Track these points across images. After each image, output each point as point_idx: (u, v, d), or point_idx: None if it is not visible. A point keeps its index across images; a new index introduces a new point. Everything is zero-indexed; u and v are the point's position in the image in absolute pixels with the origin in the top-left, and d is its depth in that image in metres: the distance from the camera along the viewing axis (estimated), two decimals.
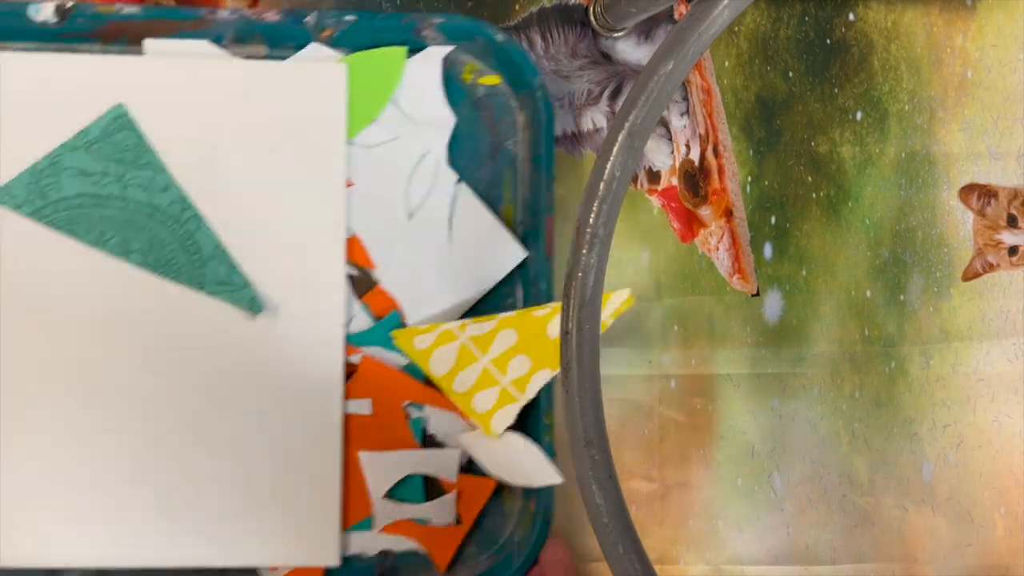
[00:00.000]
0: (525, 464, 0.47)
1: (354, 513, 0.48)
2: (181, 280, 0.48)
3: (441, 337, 0.48)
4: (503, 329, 0.47)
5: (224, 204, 0.48)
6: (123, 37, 0.48)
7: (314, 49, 0.49)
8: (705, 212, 0.53)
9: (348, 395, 0.48)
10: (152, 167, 0.48)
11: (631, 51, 0.52)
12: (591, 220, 0.36)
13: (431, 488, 0.49)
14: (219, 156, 0.48)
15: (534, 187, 0.49)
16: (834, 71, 0.53)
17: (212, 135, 0.48)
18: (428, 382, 0.49)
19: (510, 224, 0.50)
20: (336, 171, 0.49)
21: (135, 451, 0.47)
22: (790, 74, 0.53)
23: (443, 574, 0.48)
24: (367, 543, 0.48)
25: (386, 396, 0.49)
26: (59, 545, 0.47)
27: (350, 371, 0.49)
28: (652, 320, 0.52)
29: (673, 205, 0.53)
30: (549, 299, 0.49)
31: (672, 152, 0.53)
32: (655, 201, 0.53)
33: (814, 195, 0.53)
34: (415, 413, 0.49)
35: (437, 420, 0.49)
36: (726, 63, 0.53)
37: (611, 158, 0.35)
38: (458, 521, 0.49)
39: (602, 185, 0.35)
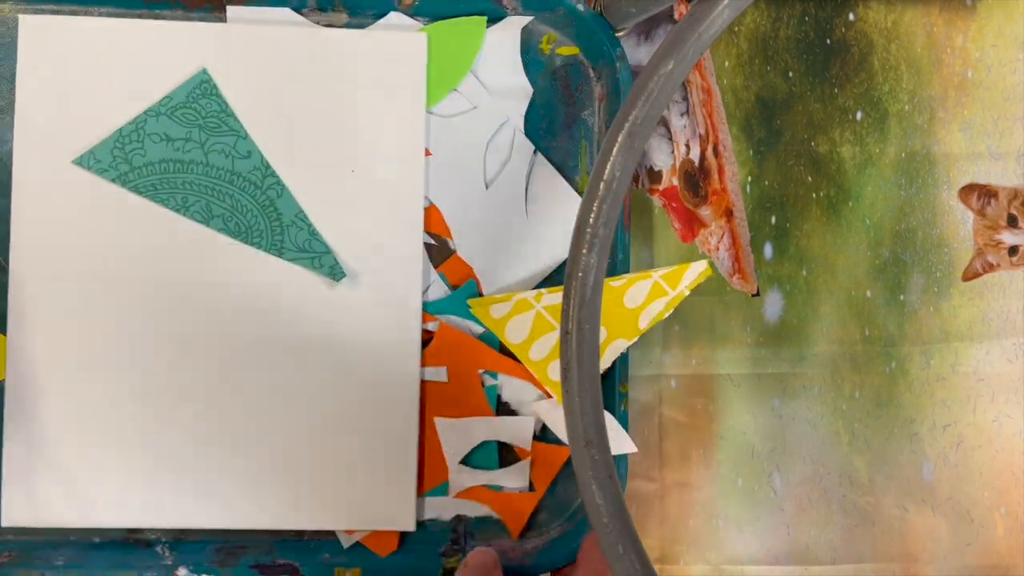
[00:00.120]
0: None
1: (430, 479, 0.49)
2: (262, 246, 0.48)
3: (517, 306, 0.49)
4: None
5: (304, 172, 0.49)
6: (207, 4, 0.49)
7: (394, 18, 0.49)
8: (705, 212, 0.53)
9: (424, 362, 0.49)
10: (235, 133, 0.48)
11: (631, 51, 0.52)
12: (591, 220, 0.36)
13: (505, 455, 0.50)
14: (298, 123, 0.49)
15: None
16: (834, 71, 0.53)
17: (292, 102, 0.49)
18: (503, 350, 0.50)
19: None
20: (415, 140, 0.49)
21: (216, 416, 0.48)
22: (790, 74, 0.53)
23: (516, 540, 0.49)
24: (442, 508, 0.49)
25: (462, 364, 0.50)
26: (140, 508, 0.47)
27: (426, 339, 0.49)
28: None
29: (674, 205, 0.53)
30: (626, 270, 0.49)
31: (672, 152, 0.53)
32: (656, 201, 0.53)
33: (814, 195, 0.53)
34: (490, 381, 0.50)
35: (511, 388, 0.50)
36: (726, 63, 0.53)
37: (611, 158, 0.35)
38: (531, 488, 0.50)
39: (602, 185, 0.35)
